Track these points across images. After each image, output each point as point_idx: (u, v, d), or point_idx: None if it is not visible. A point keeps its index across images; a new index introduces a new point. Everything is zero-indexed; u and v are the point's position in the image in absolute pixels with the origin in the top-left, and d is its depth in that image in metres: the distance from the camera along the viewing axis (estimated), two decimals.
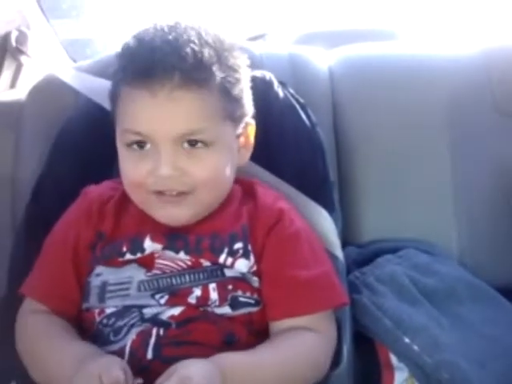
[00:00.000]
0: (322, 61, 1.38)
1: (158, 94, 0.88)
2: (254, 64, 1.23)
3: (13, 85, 1.50)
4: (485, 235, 1.30)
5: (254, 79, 1.16)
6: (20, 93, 1.40)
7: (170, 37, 0.91)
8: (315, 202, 1.09)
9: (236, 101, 0.96)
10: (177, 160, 0.91)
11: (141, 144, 0.92)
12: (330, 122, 1.29)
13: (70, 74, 1.29)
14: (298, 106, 1.17)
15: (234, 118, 0.96)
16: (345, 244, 1.18)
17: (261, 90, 1.15)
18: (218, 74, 0.92)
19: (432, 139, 1.32)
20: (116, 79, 0.96)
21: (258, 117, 1.05)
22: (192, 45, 0.90)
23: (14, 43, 1.45)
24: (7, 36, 1.44)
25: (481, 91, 1.34)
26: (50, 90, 1.32)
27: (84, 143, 1.16)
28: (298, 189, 1.09)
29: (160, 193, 0.93)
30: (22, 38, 1.46)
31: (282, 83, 1.20)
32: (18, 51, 1.46)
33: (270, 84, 1.18)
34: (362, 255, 1.21)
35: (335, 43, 1.52)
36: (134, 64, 0.91)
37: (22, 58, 1.48)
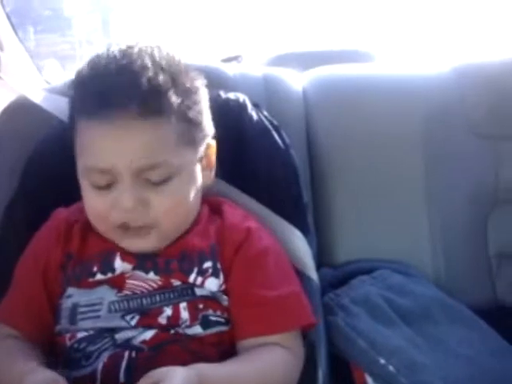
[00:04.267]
0: (296, 82, 1.38)
1: (114, 126, 0.87)
2: (228, 86, 1.25)
3: None
4: (460, 256, 1.30)
5: (227, 101, 1.17)
6: None
7: (124, 63, 0.90)
8: (289, 224, 1.09)
9: (195, 125, 0.95)
10: (139, 192, 0.90)
11: (104, 185, 0.91)
12: (303, 144, 1.29)
13: (43, 96, 1.29)
14: (271, 128, 1.17)
15: (195, 142, 0.96)
16: (320, 265, 1.17)
17: (235, 112, 1.16)
18: (175, 100, 0.90)
19: (407, 161, 1.33)
20: (71, 112, 0.95)
21: (232, 139, 1.06)
22: (146, 72, 0.88)
23: None
24: None
25: (455, 113, 1.35)
26: (22, 111, 1.30)
27: (56, 165, 1.14)
28: (272, 210, 1.09)
29: (124, 225, 0.92)
30: None
31: (255, 105, 1.20)
32: None
33: (243, 106, 1.18)
34: (337, 277, 1.21)
35: (310, 64, 1.53)
36: (88, 96, 0.90)
37: None
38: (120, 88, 0.87)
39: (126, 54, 0.92)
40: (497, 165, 1.34)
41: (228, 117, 1.06)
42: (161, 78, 0.89)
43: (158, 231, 0.93)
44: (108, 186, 0.91)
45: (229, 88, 1.23)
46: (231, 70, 1.35)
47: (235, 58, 1.59)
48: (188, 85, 0.94)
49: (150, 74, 0.88)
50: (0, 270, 1.07)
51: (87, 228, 1.01)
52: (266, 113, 1.20)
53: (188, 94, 0.94)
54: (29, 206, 1.14)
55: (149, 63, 0.90)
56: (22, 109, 1.31)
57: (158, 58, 0.92)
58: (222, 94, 1.18)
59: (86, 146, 0.92)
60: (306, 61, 1.80)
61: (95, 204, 0.94)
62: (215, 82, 1.06)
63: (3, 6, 1.53)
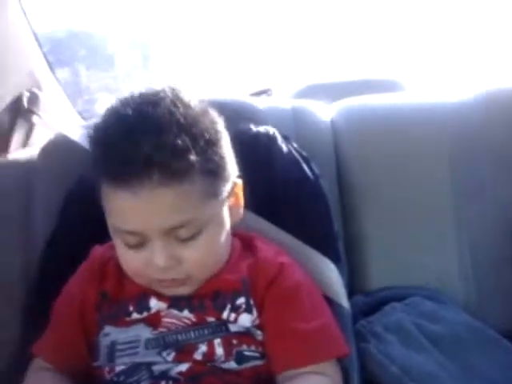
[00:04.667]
0: (325, 113, 1.41)
1: (137, 193, 0.86)
2: (258, 119, 1.28)
3: (25, 144, 1.54)
4: (490, 281, 1.30)
5: (258, 134, 1.20)
6: (32, 152, 1.44)
7: (138, 127, 0.86)
8: (320, 253, 1.11)
9: (217, 175, 0.93)
10: (170, 250, 0.90)
11: (135, 244, 0.92)
12: (333, 174, 1.32)
13: (80, 133, 1.33)
14: (301, 160, 1.19)
15: (219, 191, 0.94)
16: (351, 293, 1.19)
17: (265, 144, 1.18)
18: (196, 160, 0.88)
19: (435, 189, 1.34)
20: (94, 167, 0.93)
21: (263, 171, 1.08)
22: (165, 135, 0.85)
23: (25, 104, 1.49)
24: (19, 98, 1.48)
25: (480, 139, 1.36)
26: (60, 148, 1.35)
27: (95, 202, 1.17)
28: (303, 241, 1.11)
29: (161, 281, 0.94)
30: (34, 98, 1.51)
31: (285, 137, 1.23)
32: (30, 112, 1.51)
33: (273, 139, 1.21)
34: (369, 304, 1.22)
35: (339, 95, 1.56)
36: (109, 160, 0.88)
37: (34, 118, 1.53)
38: (138, 157, 0.85)
39: (141, 111, 0.88)
40: None
41: (259, 150, 1.08)
42: (179, 140, 0.86)
43: (192, 280, 0.95)
44: (140, 245, 0.92)
45: (259, 121, 1.25)
46: (261, 104, 1.38)
47: (265, 92, 1.62)
48: (208, 136, 0.91)
49: (169, 137, 0.85)
50: (41, 307, 1.09)
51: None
52: (295, 145, 1.22)
53: (208, 146, 0.91)
54: (68, 243, 1.17)
55: (166, 123, 0.87)
56: (61, 146, 1.35)
57: (175, 113, 0.88)
58: (253, 128, 1.21)
59: (112, 209, 0.92)
60: (334, 91, 1.83)
61: (130, 262, 0.95)
62: (246, 115, 1.09)
63: (40, 47, 1.58)
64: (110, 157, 0.88)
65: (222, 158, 0.94)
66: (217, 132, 0.94)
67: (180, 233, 0.90)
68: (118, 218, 0.91)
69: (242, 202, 1.02)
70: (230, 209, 0.99)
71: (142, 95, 0.92)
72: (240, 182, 1.01)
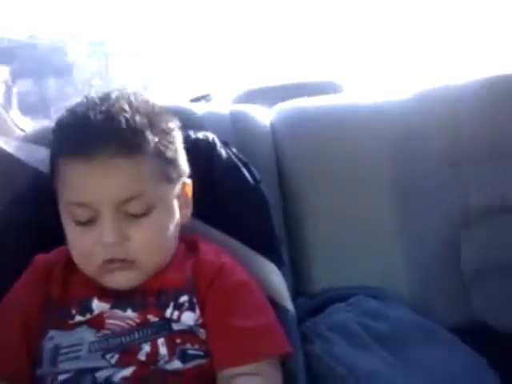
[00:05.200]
0: (264, 117, 1.42)
1: (94, 162, 0.91)
2: (197, 125, 1.28)
3: None
4: (434, 277, 1.33)
5: (196, 141, 1.20)
6: None
7: (103, 108, 0.95)
8: (262, 257, 1.11)
9: (171, 162, 0.99)
10: (120, 227, 0.93)
11: (85, 219, 0.95)
12: (274, 178, 1.32)
13: (16, 145, 1.31)
14: (241, 165, 1.19)
15: (171, 179, 0.99)
16: (296, 295, 1.20)
17: (204, 151, 1.18)
18: (151, 139, 0.95)
19: (376, 189, 1.36)
20: (52, 152, 0.99)
21: (203, 177, 1.08)
22: (124, 113, 0.94)
23: None
24: None
25: (419, 138, 1.38)
26: None
27: (33, 213, 1.17)
28: (245, 244, 1.11)
29: (107, 261, 0.95)
30: None
31: (224, 143, 1.23)
32: None
33: (212, 145, 1.21)
34: (314, 306, 1.23)
35: (279, 98, 1.57)
36: (69, 135, 0.95)
37: None
38: (99, 128, 0.92)
39: (104, 99, 0.97)
40: (465, 187, 1.37)
41: (198, 156, 1.08)
42: (138, 118, 0.94)
43: (138, 265, 0.96)
44: (89, 222, 0.94)
45: (198, 127, 1.25)
46: (199, 110, 1.37)
47: (204, 97, 1.62)
48: (163, 126, 0.99)
49: (128, 115, 0.94)
50: None
51: (67, 270, 1.03)
52: (234, 150, 1.22)
53: (164, 134, 0.98)
54: (7, 254, 1.15)
55: (126, 107, 0.95)
56: None
57: (134, 102, 0.97)
58: (192, 134, 1.21)
59: (67, 183, 0.95)
60: (274, 95, 1.84)
61: (78, 242, 0.97)
62: (184, 122, 1.08)
63: None
64: (70, 130, 0.95)
65: (175, 150, 1.01)
66: (172, 127, 1.02)
67: (130, 207, 0.94)
68: (72, 191, 0.95)
69: (191, 204, 1.06)
70: (180, 206, 1.02)
71: (104, 93, 1.00)
72: (190, 183, 1.05)
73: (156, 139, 0.96)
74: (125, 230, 0.94)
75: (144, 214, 0.95)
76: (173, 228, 1.00)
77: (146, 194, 0.94)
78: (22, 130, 1.69)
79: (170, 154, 0.99)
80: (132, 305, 0.98)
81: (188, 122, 1.17)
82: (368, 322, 1.16)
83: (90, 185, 0.93)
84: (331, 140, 1.38)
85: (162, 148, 0.97)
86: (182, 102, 1.55)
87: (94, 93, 1.01)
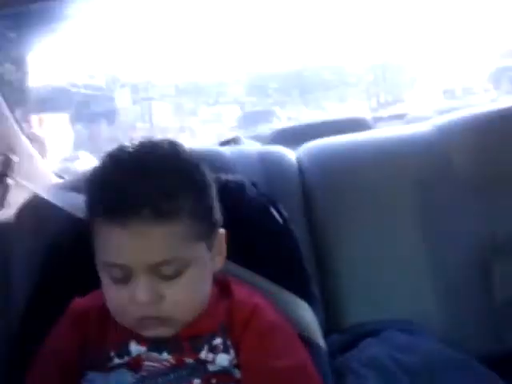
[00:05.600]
0: (291, 157, 1.45)
1: (129, 228, 0.91)
2: (227, 167, 1.31)
3: (0, 207, 1.56)
4: (464, 308, 1.34)
5: (226, 183, 1.22)
6: (8, 213, 1.46)
7: (135, 170, 0.94)
8: (294, 295, 1.13)
9: (205, 220, 0.99)
10: (153, 286, 0.94)
11: (120, 278, 0.95)
12: (302, 216, 1.35)
13: (54, 193, 1.36)
14: (269, 205, 1.22)
15: (205, 235, 0.99)
16: (328, 331, 1.21)
17: (234, 192, 1.20)
18: (185, 203, 0.94)
19: (404, 222, 1.38)
20: (88, 209, 0.99)
21: (233, 218, 1.10)
22: (157, 176, 0.93)
23: None
24: None
25: (443, 169, 1.41)
26: (35, 209, 1.37)
27: (72, 258, 1.20)
28: (277, 283, 1.13)
29: (141, 319, 0.96)
30: (7, 162, 1.54)
31: (253, 184, 1.25)
32: (4, 175, 1.54)
33: (242, 186, 1.23)
34: (345, 341, 1.25)
35: (310, 136, 1.60)
36: (103, 200, 0.95)
37: (8, 181, 1.55)
38: (133, 194, 0.91)
39: (135, 158, 0.96)
40: (491, 216, 1.38)
41: (228, 198, 1.10)
42: (172, 183, 0.94)
43: (175, 320, 0.97)
44: (125, 280, 0.95)
45: (227, 170, 1.29)
46: (229, 152, 1.42)
47: (233, 140, 1.66)
48: (196, 182, 0.98)
49: (161, 178, 0.93)
50: (22, 361, 1.09)
51: (104, 314, 1.04)
52: (263, 190, 1.25)
53: (198, 192, 0.98)
54: (48, 299, 1.19)
55: (161, 168, 0.94)
56: (36, 206, 1.38)
57: (166, 160, 0.96)
58: (222, 177, 1.23)
59: (102, 244, 0.96)
60: (303, 134, 1.88)
61: (114, 298, 0.98)
62: (215, 164, 1.11)
63: (12, 112, 1.62)
64: (106, 194, 0.94)
65: (208, 205, 1.00)
66: (205, 182, 1.00)
67: (164, 270, 0.94)
68: (107, 252, 0.96)
69: (225, 251, 1.06)
70: (213, 256, 1.02)
71: (140, 143, 0.99)
72: (224, 232, 1.05)
73: (190, 201, 0.95)
74: (158, 289, 0.94)
75: (177, 275, 0.95)
76: (206, 282, 1.01)
77: (179, 257, 0.95)
78: (60, 177, 1.75)
79: (203, 212, 0.98)
80: (168, 348, 0.99)
81: (218, 164, 1.21)
82: (399, 355, 1.17)
83: (125, 249, 0.93)
84: (356, 175, 1.41)
85: (195, 209, 0.96)
86: (213, 145, 1.60)
87: (129, 142, 1.00)
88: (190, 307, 0.99)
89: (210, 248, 1.01)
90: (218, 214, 1.03)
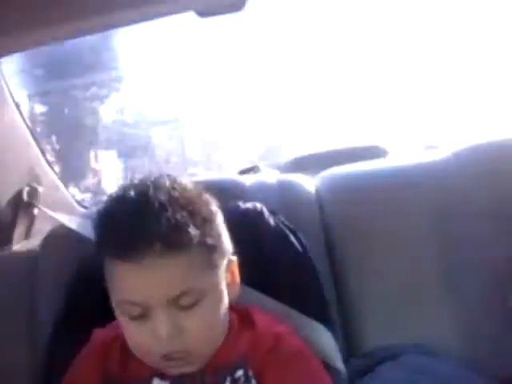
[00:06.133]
0: (310, 185, 1.47)
1: (142, 264, 0.92)
2: (246, 196, 1.33)
3: (27, 236, 1.60)
4: (484, 334, 1.33)
5: (246, 211, 1.25)
6: (34, 242, 1.50)
7: (143, 207, 0.95)
8: (313, 320, 1.15)
9: (215, 249, 1.00)
10: (172, 319, 0.95)
11: (138, 315, 0.96)
12: (321, 243, 1.36)
13: (79, 222, 1.40)
14: (288, 233, 1.24)
15: (216, 265, 1.00)
16: (348, 356, 1.23)
17: (253, 220, 1.23)
18: (194, 234, 0.95)
19: (423, 250, 1.38)
20: (98, 250, 1.00)
21: (253, 246, 1.13)
22: (165, 212, 0.93)
23: (25, 198, 1.56)
24: (20, 192, 1.56)
25: (461, 196, 1.41)
26: (61, 239, 1.41)
27: (97, 287, 1.21)
28: (295, 309, 1.15)
29: (165, 357, 0.96)
30: (33, 192, 1.58)
31: (272, 212, 1.28)
32: (30, 205, 1.58)
33: (261, 214, 1.26)
34: (365, 365, 1.25)
35: (325, 164, 1.63)
36: (114, 239, 0.96)
37: (34, 211, 1.60)
38: (142, 231, 0.93)
39: (142, 195, 0.97)
40: (508, 242, 1.37)
41: (247, 226, 1.12)
42: (178, 215, 0.94)
43: (197, 354, 0.98)
44: (143, 317, 0.96)
45: (247, 198, 1.31)
46: (248, 181, 1.44)
47: (252, 169, 1.69)
48: (204, 213, 0.99)
49: (169, 213, 0.93)
50: None
51: (125, 347, 1.05)
52: (282, 218, 1.27)
53: (205, 222, 0.98)
54: (73, 326, 1.21)
55: (166, 203, 0.95)
56: (61, 235, 1.42)
57: (173, 195, 0.97)
58: (241, 205, 1.26)
59: (118, 283, 0.97)
60: (320, 161, 1.90)
61: (134, 336, 0.99)
62: (234, 193, 1.14)
63: (38, 144, 1.67)
64: (114, 234, 0.96)
65: (218, 234, 1.01)
66: (211, 211, 1.02)
67: (182, 301, 0.95)
68: (122, 291, 0.97)
69: (238, 278, 1.07)
70: (228, 285, 1.03)
71: (142, 180, 1.01)
72: (235, 259, 1.07)
73: (199, 232, 0.96)
74: (178, 322, 0.95)
75: (194, 305, 0.96)
76: (223, 310, 1.01)
77: (194, 287, 0.96)
78: (83, 206, 1.79)
79: (213, 241, 0.99)
80: (191, 383, 1.00)
81: (238, 193, 1.24)
82: (417, 378, 1.17)
83: (140, 286, 0.94)
84: (375, 204, 1.42)
85: (205, 239, 0.97)
86: (232, 174, 1.63)
87: (136, 179, 1.03)
88: (211, 337, 1.00)
89: (223, 277, 1.02)
90: (227, 241, 1.04)
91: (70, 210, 1.71)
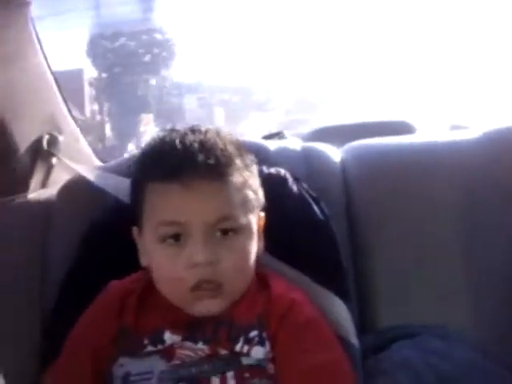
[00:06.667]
0: (335, 155, 1.44)
1: (190, 186, 0.96)
2: (270, 161, 1.31)
3: (44, 184, 1.58)
4: (501, 321, 1.31)
5: (269, 176, 1.23)
6: (51, 192, 1.48)
7: (194, 137, 1.00)
8: (330, 291, 1.13)
9: (254, 192, 1.04)
10: (211, 247, 0.97)
11: (175, 236, 0.98)
12: (343, 215, 1.34)
13: (97, 175, 1.38)
14: (311, 201, 1.22)
15: (253, 209, 1.04)
16: (362, 331, 1.20)
17: (276, 186, 1.21)
18: (242, 167, 1.01)
19: (446, 229, 1.35)
20: (140, 177, 1.03)
21: (274, 211, 1.10)
22: (216, 142, 0.99)
23: (45, 146, 1.54)
24: (39, 140, 1.53)
25: (490, 177, 1.38)
26: (78, 189, 1.40)
27: (111, 243, 1.21)
28: (313, 279, 1.13)
29: (196, 287, 0.98)
30: (53, 141, 1.56)
31: (296, 179, 1.25)
32: (49, 153, 1.55)
33: (284, 180, 1.24)
34: (379, 342, 1.23)
35: (350, 137, 1.59)
36: (164, 161, 0.99)
37: (53, 160, 1.57)
38: (193, 153, 0.97)
39: (193, 131, 1.03)
40: None
41: (270, 190, 1.10)
42: (230, 148, 1.01)
43: (227, 289, 0.99)
44: (180, 244, 0.98)
45: (271, 163, 1.29)
46: (273, 146, 1.42)
47: (277, 135, 1.65)
48: (247, 158, 1.05)
49: (220, 145, 0.99)
50: (56, 339, 1.11)
51: (141, 300, 1.06)
52: (305, 186, 1.25)
53: (248, 165, 1.04)
54: (84, 279, 1.20)
55: (216, 137, 1.01)
56: (78, 187, 1.40)
57: (221, 135, 1.03)
58: (265, 169, 1.24)
59: (159, 205, 1.00)
60: (344, 134, 1.86)
61: (168, 265, 0.99)
62: (258, 157, 1.11)
63: (60, 92, 1.64)
64: (163, 156, 1.00)
65: (257, 182, 1.07)
66: (252, 159, 1.07)
67: (221, 226, 0.98)
68: (164, 212, 0.99)
69: (262, 234, 1.08)
70: (258, 235, 1.06)
71: (190, 127, 1.06)
72: (263, 215, 1.08)
73: (245, 168, 1.02)
74: (215, 250, 0.97)
75: (233, 234, 0.99)
76: (254, 255, 1.03)
77: (236, 217, 0.99)
78: (103, 160, 1.77)
79: (254, 184, 1.04)
80: (203, 338, 1.00)
81: (262, 157, 1.21)
82: (432, 361, 1.15)
83: (184, 206, 0.97)
84: (400, 179, 1.40)
85: (248, 178, 1.02)
86: (256, 138, 1.59)
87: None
88: (242, 274, 1.01)
89: (256, 224, 1.04)
90: (262, 195, 1.08)
91: (88, 162, 1.68)
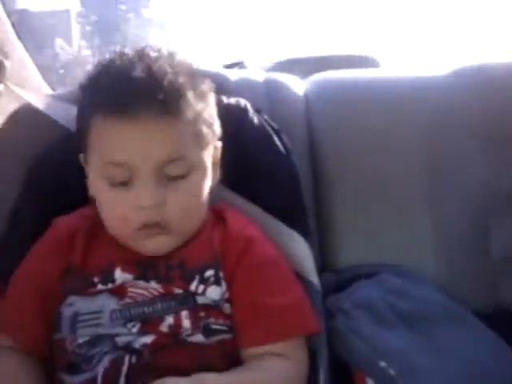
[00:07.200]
0: (298, 87, 1.39)
1: (136, 123, 0.89)
2: (230, 91, 1.26)
3: None
4: (462, 260, 1.30)
5: (229, 106, 1.18)
6: None
7: (142, 66, 0.91)
8: (290, 228, 1.09)
9: (208, 125, 0.97)
10: (158, 190, 0.91)
11: (122, 181, 0.92)
12: (305, 148, 1.30)
13: (47, 103, 1.30)
14: (272, 133, 1.17)
15: (207, 142, 0.98)
16: (322, 270, 1.18)
17: (236, 117, 1.16)
18: (193, 101, 0.93)
19: (409, 165, 1.33)
20: (85, 111, 0.96)
21: (233, 144, 1.06)
22: (165, 73, 0.91)
23: None
24: None
25: (456, 115, 1.35)
26: (26, 117, 1.32)
27: (60, 172, 1.15)
28: (273, 215, 1.10)
29: (143, 226, 0.93)
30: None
31: (257, 110, 1.21)
32: None
33: (244, 111, 1.19)
34: (339, 281, 1.21)
35: (313, 70, 1.54)
36: (109, 95, 0.91)
37: (0, 87, 1.48)
38: (140, 87, 0.89)
39: (141, 56, 0.94)
40: (499, 167, 1.33)
41: (229, 121, 1.06)
42: (180, 79, 0.92)
43: (173, 230, 0.94)
44: (126, 185, 0.92)
45: (231, 93, 1.23)
46: (233, 76, 1.36)
47: (238, 64, 1.59)
48: (202, 88, 0.97)
49: (169, 76, 0.91)
50: (3, 276, 1.06)
51: (91, 236, 1.02)
52: (267, 118, 1.21)
53: (202, 96, 0.97)
54: (33, 212, 1.14)
55: (167, 66, 0.92)
56: (27, 115, 1.32)
57: (174, 62, 0.95)
58: (224, 99, 1.19)
59: (105, 143, 0.93)
60: (308, 66, 1.81)
61: (114, 205, 0.95)
62: (217, 87, 1.06)
63: (8, 16, 1.53)
64: (108, 89, 0.92)
65: (212, 112, 1.00)
66: (209, 90, 1.00)
67: (170, 170, 0.92)
68: (110, 151, 0.92)
69: (218, 165, 1.04)
70: (213, 167, 1.01)
71: (139, 49, 0.97)
72: (220, 145, 1.03)
73: (197, 101, 0.94)
74: (162, 193, 0.92)
75: (182, 177, 0.93)
76: (207, 192, 0.99)
77: (185, 156, 0.93)
78: (53, 89, 1.68)
79: (208, 116, 0.98)
80: (156, 277, 0.96)
81: (221, 87, 1.15)
82: (393, 300, 1.14)
83: (131, 145, 0.91)
84: (365, 113, 1.36)
85: (201, 110, 0.95)
86: (216, 67, 1.53)
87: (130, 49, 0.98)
88: (191, 215, 0.97)
89: (210, 157, 0.99)
90: (217, 126, 1.02)
91: (39, 90, 1.59)
